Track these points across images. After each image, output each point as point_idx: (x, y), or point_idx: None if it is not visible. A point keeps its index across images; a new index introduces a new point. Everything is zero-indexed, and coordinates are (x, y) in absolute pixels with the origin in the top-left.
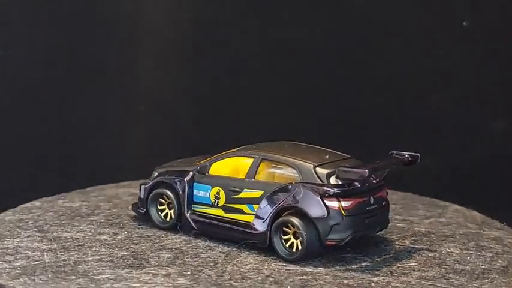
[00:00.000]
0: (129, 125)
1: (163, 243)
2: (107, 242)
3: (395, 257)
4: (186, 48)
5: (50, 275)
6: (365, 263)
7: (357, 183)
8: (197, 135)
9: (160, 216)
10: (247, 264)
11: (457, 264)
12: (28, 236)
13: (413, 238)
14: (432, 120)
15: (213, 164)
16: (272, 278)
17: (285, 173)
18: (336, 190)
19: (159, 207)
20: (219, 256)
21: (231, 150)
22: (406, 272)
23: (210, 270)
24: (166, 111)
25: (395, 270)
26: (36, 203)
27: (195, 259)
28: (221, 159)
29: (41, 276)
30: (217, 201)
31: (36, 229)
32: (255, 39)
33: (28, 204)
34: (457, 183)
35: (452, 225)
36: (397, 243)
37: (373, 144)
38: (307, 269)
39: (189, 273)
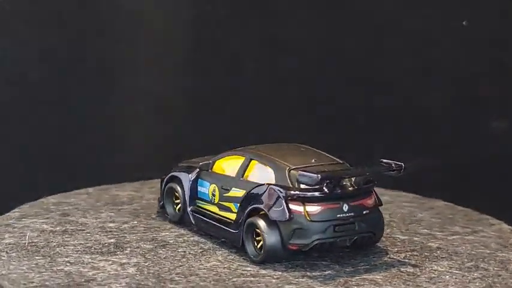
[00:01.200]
0: (129, 125)
1: (156, 235)
2: (108, 230)
3: (366, 269)
4: (186, 48)
5: (22, 253)
6: (327, 272)
7: (325, 189)
8: (197, 135)
9: (173, 209)
10: (210, 262)
11: (428, 283)
12: (45, 218)
13: (413, 252)
14: (432, 120)
15: (216, 162)
16: (219, 276)
17: (265, 174)
18: (301, 194)
19: (174, 201)
20: (195, 252)
21: (236, 149)
22: (362, 284)
23: (170, 263)
24: (166, 111)
25: (351, 282)
26: (90, 189)
27: (169, 252)
28: (223, 158)
29: (13, 253)
30: (214, 199)
31: (59, 212)
32: (255, 39)
33: (82, 190)
34: (457, 183)
35: (477, 245)
36: (388, 256)
37: (372, 144)
38: (263, 271)
39: (146, 264)
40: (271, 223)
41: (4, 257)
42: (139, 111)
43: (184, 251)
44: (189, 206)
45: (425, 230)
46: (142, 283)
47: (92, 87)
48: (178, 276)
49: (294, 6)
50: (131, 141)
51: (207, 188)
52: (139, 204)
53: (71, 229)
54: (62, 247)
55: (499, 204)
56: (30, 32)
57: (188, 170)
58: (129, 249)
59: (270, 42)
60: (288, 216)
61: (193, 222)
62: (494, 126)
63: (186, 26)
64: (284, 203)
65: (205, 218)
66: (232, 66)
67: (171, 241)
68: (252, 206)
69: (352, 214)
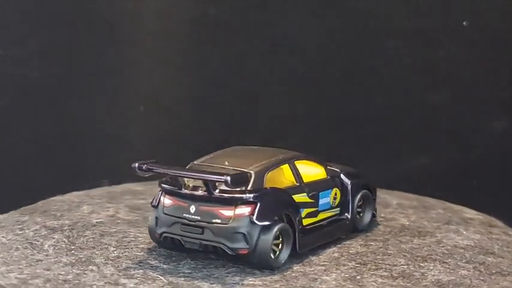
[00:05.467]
0: (129, 125)
1: (133, 238)
2: (97, 226)
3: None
4: (186, 48)
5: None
6: (188, 270)
7: (176, 186)
8: (197, 135)
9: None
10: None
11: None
12: (50, 214)
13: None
14: (432, 120)
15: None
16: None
17: None
18: (163, 185)
19: None
20: (158, 255)
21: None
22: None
23: (118, 266)
24: (166, 111)
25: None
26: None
27: (124, 253)
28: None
29: None
30: None
31: (67, 207)
32: (255, 39)
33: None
34: (457, 183)
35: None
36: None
37: (372, 144)
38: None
39: (86, 262)
40: None
41: None
42: (139, 111)
43: (145, 256)
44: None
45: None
46: None
47: (92, 87)
48: (92, 272)
49: (294, 6)
50: (131, 141)
51: None
52: None
53: (71, 223)
54: (44, 241)
55: (499, 205)
56: (30, 32)
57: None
58: (96, 249)
59: (271, 42)
60: (152, 203)
61: None
62: (495, 126)
63: (186, 26)
64: (159, 192)
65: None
66: (233, 66)
67: (143, 246)
68: None
69: (199, 218)
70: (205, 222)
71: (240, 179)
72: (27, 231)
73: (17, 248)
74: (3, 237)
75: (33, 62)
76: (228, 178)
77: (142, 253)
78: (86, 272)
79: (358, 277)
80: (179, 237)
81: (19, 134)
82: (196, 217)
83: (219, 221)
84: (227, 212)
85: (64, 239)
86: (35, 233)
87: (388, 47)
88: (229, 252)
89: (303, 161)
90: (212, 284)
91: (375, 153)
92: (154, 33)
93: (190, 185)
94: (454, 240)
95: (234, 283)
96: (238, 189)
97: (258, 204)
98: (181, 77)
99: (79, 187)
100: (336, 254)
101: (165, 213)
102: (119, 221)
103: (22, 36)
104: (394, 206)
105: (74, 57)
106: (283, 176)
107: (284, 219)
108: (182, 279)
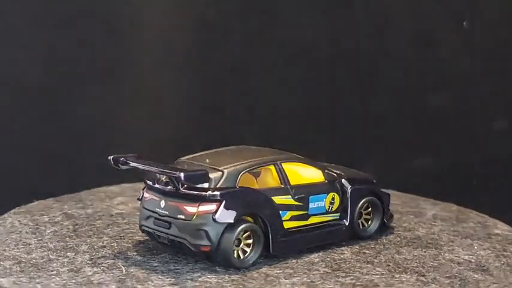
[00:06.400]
0: (129, 125)
1: (135, 230)
2: (113, 217)
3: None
4: (186, 48)
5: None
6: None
7: (151, 181)
8: (197, 135)
9: None
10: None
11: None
12: (80, 203)
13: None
14: (432, 120)
15: None
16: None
17: None
18: (145, 179)
19: None
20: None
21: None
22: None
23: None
24: (166, 111)
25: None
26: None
27: (112, 244)
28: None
29: None
30: None
31: (103, 196)
32: (255, 39)
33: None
34: (457, 183)
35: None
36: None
37: (372, 144)
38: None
39: (70, 249)
40: None
41: None
42: (139, 111)
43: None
44: None
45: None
46: None
47: (92, 87)
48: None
49: (294, 7)
50: (131, 141)
51: None
52: None
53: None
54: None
55: (499, 205)
56: (30, 32)
57: None
58: (82, 245)
59: (271, 42)
60: (138, 197)
61: None
62: (496, 126)
63: (186, 26)
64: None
65: None
66: (233, 67)
67: (123, 244)
68: None
69: (167, 213)
70: (171, 217)
71: (195, 177)
72: (44, 217)
73: (20, 231)
74: (18, 220)
75: (33, 62)
76: (181, 174)
77: (129, 245)
78: (59, 258)
79: (318, 283)
80: (152, 231)
81: (18, 134)
82: (165, 212)
83: (183, 217)
84: (191, 209)
85: (70, 227)
86: (49, 219)
87: (389, 47)
88: (192, 249)
89: (297, 163)
90: (164, 277)
91: (375, 153)
92: (154, 33)
93: (163, 180)
94: (455, 255)
95: (188, 279)
96: (205, 187)
97: (222, 203)
98: (181, 77)
99: (79, 187)
100: (316, 259)
101: (143, 207)
102: (138, 213)
103: (22, 36)
104: (427, 216)
105: (74, 57)
106: (268, 177)
107: (258, 220)
108: (143, 271)
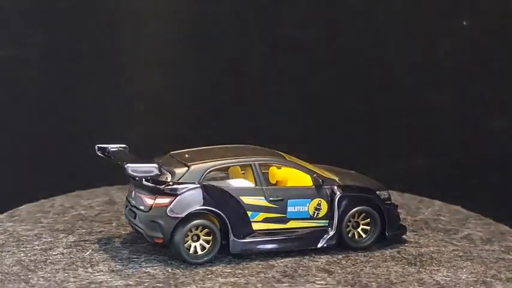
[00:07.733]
0: (129, 125)
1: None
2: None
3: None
4: (186, 48)
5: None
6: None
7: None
8: (197, 135)
9: None
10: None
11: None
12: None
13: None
14: (432, 120)
15: None
16: None
17: None
18: None
19: None
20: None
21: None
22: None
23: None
24: (166, 111)
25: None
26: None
27: (102, 231)
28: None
29: None
30: None
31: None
32: (255, 39)
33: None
34: (457, 183)
35: None
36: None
37: (372, 144)
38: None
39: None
40: None
41: None
42: (139, 111)
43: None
44: None
45: None
46: None
47: (91, 87)
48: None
49: (293, 6)
50: (131, 141)
51: None
52: None
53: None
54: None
55: (499, 205)
56: (30, 32)
57: None
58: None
59: (271, 42)
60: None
61: None
62: (495, 126)
63: (186, 26)
64: None
65: None
66: (233, 66)
67: (113, 240)
68: None
69: (134, 203)
70: (136, 207)
71: (140, 169)
72: (64, 215)
73: (32, 228)
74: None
75: (33, 62)
76: (127, 166)
77: (117, 234)
78: (51, 252)
79: (250, 285)
80: (128, 220)
81: (18, 134)
82: (133, 202)
83: (143, 208)
84: (149, 201)
85: (85, 226)
86: (66, 221)
87: (388, 47)
88: (148, 239)
89: (283, 166)
90: (109, 266)
91: (375, 153)
92: (154, 34)
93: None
94: (445, 276)
95: (129, 268)
96: (167, 180)
97: (177, 197)
98: (181, 77)
99: (78, 187)
100: (282, 263)
101: (126, 198)
102: None
103: (22, 36)
104: (461, 236)
105: (74, 57)
106: (243, 177)
107: (215, 217)
108: (105, 255)
